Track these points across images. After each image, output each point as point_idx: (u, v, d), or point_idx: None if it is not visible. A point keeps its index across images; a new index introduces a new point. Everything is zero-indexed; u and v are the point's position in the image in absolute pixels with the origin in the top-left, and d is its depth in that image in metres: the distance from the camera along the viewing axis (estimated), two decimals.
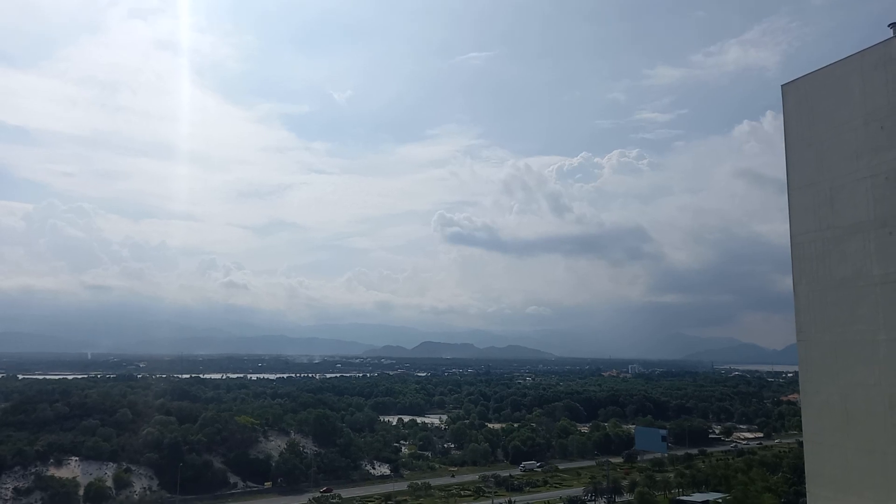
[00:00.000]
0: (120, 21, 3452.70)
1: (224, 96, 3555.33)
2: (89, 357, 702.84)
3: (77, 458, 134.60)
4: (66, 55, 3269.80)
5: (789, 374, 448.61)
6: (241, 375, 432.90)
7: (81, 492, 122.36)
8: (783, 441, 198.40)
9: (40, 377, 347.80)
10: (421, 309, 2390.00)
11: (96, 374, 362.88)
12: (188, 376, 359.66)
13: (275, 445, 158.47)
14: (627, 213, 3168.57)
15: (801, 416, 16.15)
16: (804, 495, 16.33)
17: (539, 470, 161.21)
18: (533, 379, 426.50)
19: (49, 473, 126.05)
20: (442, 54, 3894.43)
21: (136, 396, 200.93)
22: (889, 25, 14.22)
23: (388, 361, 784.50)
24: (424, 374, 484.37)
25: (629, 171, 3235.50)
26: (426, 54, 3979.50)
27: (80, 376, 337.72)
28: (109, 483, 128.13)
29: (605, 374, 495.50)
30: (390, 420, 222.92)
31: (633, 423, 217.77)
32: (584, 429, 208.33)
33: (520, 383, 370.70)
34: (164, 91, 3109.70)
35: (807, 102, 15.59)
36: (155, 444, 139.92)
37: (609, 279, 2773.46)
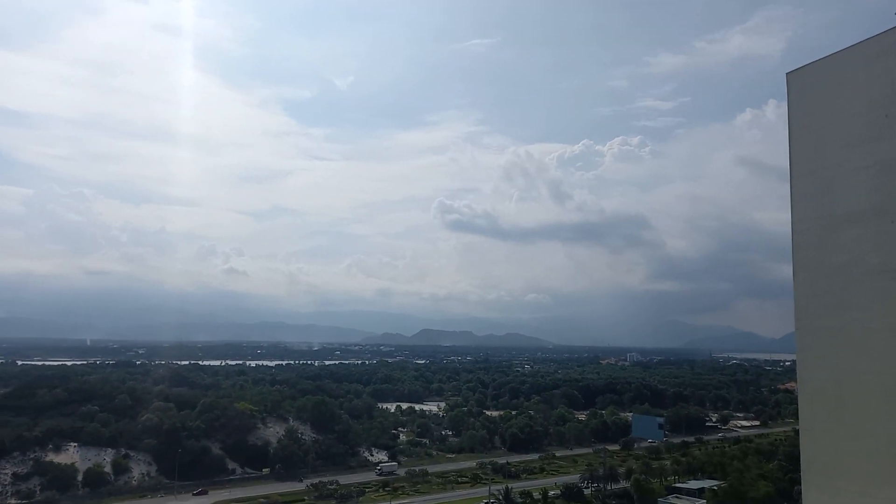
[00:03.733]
0: (119, 3, 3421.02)
1: (224, 79, 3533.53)
2: (88, 343, 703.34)
3: (76, 444, 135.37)
4: (63, 36, 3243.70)
5: (787, 363, 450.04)
6: (240, 362, 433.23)
7: (80, 477, 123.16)
8: (779, 429, 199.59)
9: (39, 363, 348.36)
10: (420, 296, 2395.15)
11: (95, 360, 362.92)
12: (187, 363, 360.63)
13: (273, 432, 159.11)
14: (628, 201, 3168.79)
15: (797, 404, 16.16)
16: (799, 482, 16.39)
17: (398, 474, 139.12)
18: (531, 366, 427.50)
19: (48, 459, 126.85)
20: (443, 40, 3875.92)
21: (136, 382, 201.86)
22: (895, 13, 14.10)
23: (387, 349, 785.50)
24: (423, 362, 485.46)
25: (630, 159, 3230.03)
26: (427, 40, 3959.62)
27: (79, 362, 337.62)
28: (108, 468, 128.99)
29: (604, 362, 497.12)
30: (388, 407, 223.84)
31: (630, 411, 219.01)
32: (582, 416, 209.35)
33: (518, 371, 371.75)
34: (161, 73, 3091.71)
35: (811, 91, 15.50)
36: (154, 429, 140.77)
37: (608, 267, 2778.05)
